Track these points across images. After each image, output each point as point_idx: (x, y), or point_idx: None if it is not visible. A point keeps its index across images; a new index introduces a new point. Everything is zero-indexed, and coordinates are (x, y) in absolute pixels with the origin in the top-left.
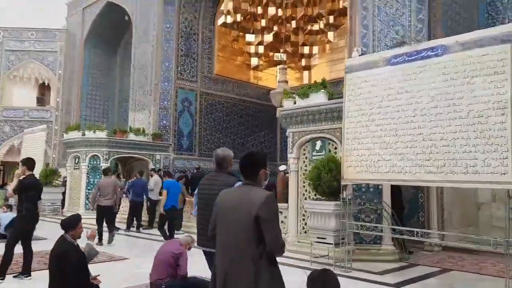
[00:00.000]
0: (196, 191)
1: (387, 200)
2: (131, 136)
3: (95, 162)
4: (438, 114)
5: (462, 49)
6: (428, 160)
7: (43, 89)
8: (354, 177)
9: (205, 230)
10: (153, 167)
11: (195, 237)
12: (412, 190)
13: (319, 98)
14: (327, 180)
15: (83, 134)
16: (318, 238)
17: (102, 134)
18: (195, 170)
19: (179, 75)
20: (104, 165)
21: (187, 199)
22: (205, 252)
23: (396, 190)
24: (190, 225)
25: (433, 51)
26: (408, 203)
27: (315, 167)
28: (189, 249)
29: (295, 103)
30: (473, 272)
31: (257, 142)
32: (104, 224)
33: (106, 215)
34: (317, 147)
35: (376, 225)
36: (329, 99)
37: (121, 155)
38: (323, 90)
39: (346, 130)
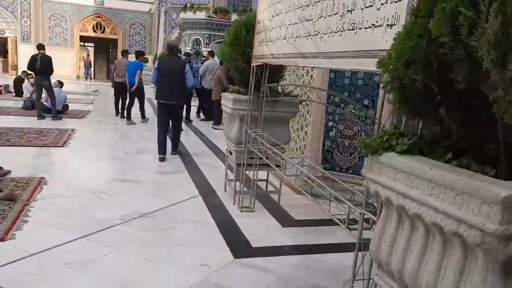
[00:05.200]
0: (156, 66)
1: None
2: (235, 18)
3: (198, 46)
4: None
5: None
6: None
7: None
8: (257, 52)
9: (163, 90)
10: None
11: None
12: None
13: None
14: (228, 57)
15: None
16: (229, 152)
17: (201, 15)
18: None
19: None
20: (205, 49)
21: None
22: (162, 104)
23: None
24: None
25: None
26: None
27: (227, 33)
28: None
29: None
30: None
31: None
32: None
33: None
34: None
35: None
36: None
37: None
38: None
39: None
